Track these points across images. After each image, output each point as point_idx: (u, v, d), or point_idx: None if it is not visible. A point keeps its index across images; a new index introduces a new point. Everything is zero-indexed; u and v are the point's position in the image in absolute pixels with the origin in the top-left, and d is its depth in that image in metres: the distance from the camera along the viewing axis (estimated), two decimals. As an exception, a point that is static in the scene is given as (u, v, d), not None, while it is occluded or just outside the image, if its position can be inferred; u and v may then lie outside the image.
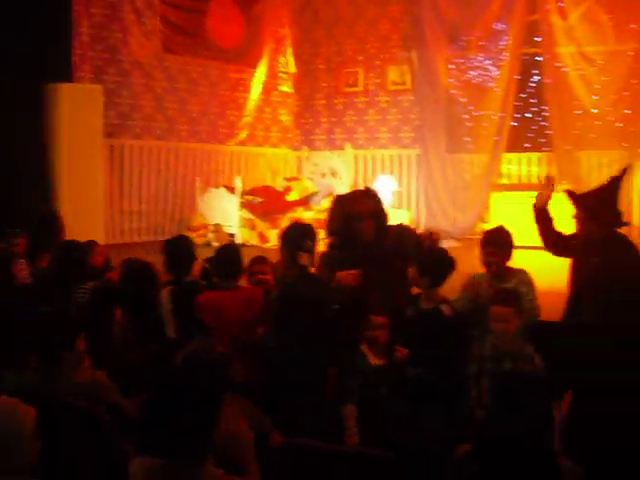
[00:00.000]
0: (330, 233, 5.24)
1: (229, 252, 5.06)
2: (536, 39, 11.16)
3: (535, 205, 5.07)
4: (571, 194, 4.90)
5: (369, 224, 4.94)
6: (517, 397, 3.50)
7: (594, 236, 4.60)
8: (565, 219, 5.00)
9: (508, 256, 4.83)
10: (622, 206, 9.50)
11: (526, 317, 4.43)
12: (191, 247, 5.40)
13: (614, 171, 10.15)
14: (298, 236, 4.94)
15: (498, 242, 4.82)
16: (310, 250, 4.88)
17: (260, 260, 5.35)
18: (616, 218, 4.72)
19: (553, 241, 4.97)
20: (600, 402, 3.76)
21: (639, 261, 4.49)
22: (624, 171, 4.97)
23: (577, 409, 3.85)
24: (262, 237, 10.40)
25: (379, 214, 5.05)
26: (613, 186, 4.84)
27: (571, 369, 4.12)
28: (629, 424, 3.60)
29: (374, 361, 4.24)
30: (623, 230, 4.90)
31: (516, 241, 5.04)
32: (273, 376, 4.25)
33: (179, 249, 5.25)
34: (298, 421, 3.85)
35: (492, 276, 4.79)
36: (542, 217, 4.98)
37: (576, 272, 4.77)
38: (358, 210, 4.95)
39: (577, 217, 4.79)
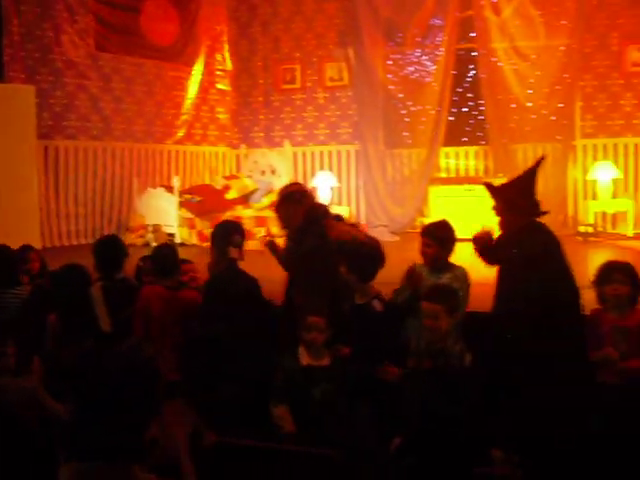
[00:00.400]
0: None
1: (166, 251, 5.30)
2: (471, 35, 11.56)
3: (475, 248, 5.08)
4: (489, 186, 4.98)
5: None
6: (449, 392, 3.80)
7: (513, 227, 4.74)
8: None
9: (447, 250, 4.95)
10: (539, 196, 10.09)
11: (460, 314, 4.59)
12: (121, 246, 5.58)
13: (549, 163, 10.75)
14: (227, 232, 5.13)
15: (435, 234, 4.94)
16: (239, 245, 5.05)
17: (185, 261, 5.55)
18: (534, 208, 4.81)
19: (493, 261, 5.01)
20: (528, 393, 4.07)
21: (555, 251, 4.67)
22: (539, 162, 4.99)
23: (507, 400, 4.13)
24: (201, 236, 10.43)
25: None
26: (530, 177, 4.91)
27: (496, 360, 4.46)
28: (557, 413, 3.85)
29: (308, 361, 4.30)
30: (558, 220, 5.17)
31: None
32: (204, 371, 4.39)
33: (108, 248, 5.43)
34: (232, 419, 3.94)
35: (428, 269, 4.91)
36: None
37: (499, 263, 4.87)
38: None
39: (496, 209, 4.88)
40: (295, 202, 5.18)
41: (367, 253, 4.85)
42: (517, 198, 4.76)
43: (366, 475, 3.72)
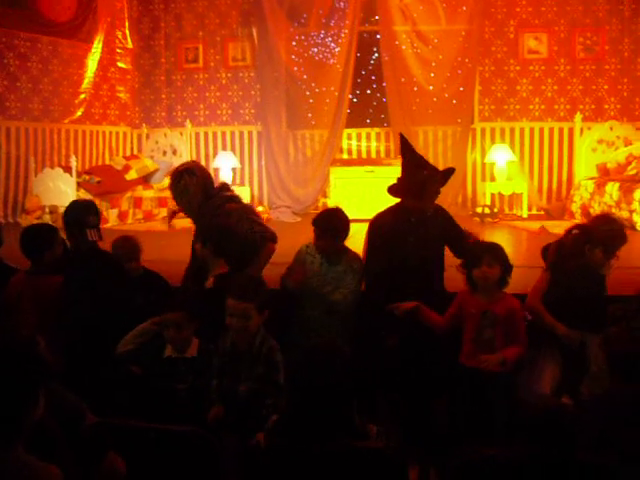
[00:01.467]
0: None
1: (29, 232, 5.32)
2: (375, 18, 12.18)
3: None
4: (392, 190, 5.28)
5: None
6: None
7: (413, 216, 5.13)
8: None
9: (338, 239, 5.13)
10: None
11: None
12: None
13: (449, 145, 11.69)
14: (82, 213, 5.24)
15: (323, 226, 5.12)
16: (95, 225, 5.19)
17: None
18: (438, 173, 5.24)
19: None
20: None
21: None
22: (402, 139, 5.35)
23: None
24: (101, 218, 10.98)
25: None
26: (410, 154, 5.30)
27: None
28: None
29: (171, 352, 4.40)
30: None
31: (353, 214, 5.57)
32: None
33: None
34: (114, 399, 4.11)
35: (322, 259, 5.17)
36: None
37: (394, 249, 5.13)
38: None
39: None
40: (183, 181, 5.43)
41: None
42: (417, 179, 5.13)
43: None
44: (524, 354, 4.52)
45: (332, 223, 5.14)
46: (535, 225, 10.18)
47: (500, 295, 4.63)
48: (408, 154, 5.26)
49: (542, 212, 11.51)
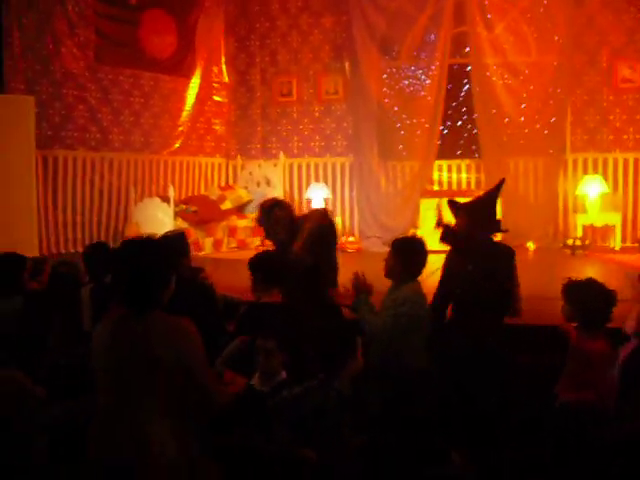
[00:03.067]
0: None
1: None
2: (465, 50, 12.50)
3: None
4: (453, 203, 5.48)
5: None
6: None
7: (473, 243, 5.27)
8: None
9: (407, 265, 5.15)
10: (532, 209, 11.04)
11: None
12: (108, 251, 6.15)
13: (540, 176, 11.74)
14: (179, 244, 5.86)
15: (396, 247, 5.21)
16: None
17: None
18: (495, 226, 5.40)
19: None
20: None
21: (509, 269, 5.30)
22: (501, 182, 5.60)
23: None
24: (197, 245, 11.23)
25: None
26: (491, 196, 5.53)
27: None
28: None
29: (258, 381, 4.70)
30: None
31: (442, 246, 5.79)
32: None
33: (97, 253, 6.05)
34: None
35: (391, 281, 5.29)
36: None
37: (451, 275, 5.41)
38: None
39: (458, 224, 5.38)
40: (273, 214, 6.01)
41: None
42: (480, 215, 5.31)
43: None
44: None
45: (406, 246, 5.24)
46: (629, 258, 10.20)
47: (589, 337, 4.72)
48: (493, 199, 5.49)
49: (636, 244, 11.34)
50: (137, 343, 3.12)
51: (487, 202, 5.48)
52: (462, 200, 5.57)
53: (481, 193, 5.99)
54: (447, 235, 5.36)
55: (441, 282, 5.46)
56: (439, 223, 5.46)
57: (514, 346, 5.30)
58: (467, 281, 5.20)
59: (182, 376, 3.13)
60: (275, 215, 6.02)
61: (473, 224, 5.30)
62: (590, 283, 4.81)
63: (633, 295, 5.23)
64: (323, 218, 6.30)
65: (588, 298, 4.67)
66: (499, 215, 10.04)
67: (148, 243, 3.41)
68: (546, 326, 5.52)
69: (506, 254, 5.36)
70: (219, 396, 3.37)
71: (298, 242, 5.86)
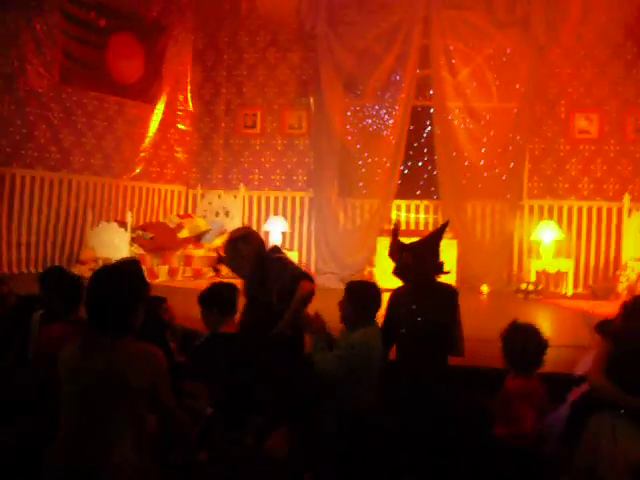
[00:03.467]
0: None
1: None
2: (430, 93, 12.78)
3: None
4: (398, 243, 5.54)
5: None
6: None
7: (422, 282, 5.37)
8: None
9: (360, 310, 5.19)
10: (487, 251, 11.23)
11: None
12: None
13: (497, 220, 11.95)
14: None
15: (351, 291, 5.26)
16: None
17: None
18: (438, 267, 5.42)
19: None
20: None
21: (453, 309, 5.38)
22: (446, 223, 5.82)
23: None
24: (152, 273, 11.17)
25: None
26: (436, 237, 5.57)
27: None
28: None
29: None
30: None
31: (397, 284, 5.77)
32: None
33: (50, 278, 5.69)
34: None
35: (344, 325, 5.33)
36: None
37: (395, 314, 5.44)
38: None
39: (404, 264, 5.42)
40: (244, 245, 5.83)
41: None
42: (425, 256, 5.37)
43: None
44: None
45: (361, 292, 5.28)
46: (580, 304, 10.43)
47: (519, 379, 4.82)
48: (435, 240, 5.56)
49: (588, 291, 11.59)
50: (108, 368, 3.33)
51: (432, 243, 5.52)
52: (407, 240, 5.61)
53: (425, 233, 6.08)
54: (400, 269, 5.42)
55: (385, 321, 5.48)
56: (394, 240, 5.55)
57: (457, 386, 5.33)
58: (410, 320, 5.26)
59: (148, 398, 3.38)
60: (239, 249, 5.85)
61: (418, 264, 5.35)
62: (523, 327, 4.89)
63: (590, 341, 5.29)
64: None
65: (519, 342, 4.77)
66: (452, 257, 10.37)
67: (120, 271, 3.62)
68: (490, 368, 5.54)
69: (449, 293, 5.43)
70: (180, 418, 3.60)
71: (285, 319, 5.55)
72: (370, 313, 5.24)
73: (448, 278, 5.55)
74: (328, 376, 5.07)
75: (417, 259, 5.35)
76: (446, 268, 5.47)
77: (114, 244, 11.53)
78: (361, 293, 5.26)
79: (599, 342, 4.79)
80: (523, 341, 4.77)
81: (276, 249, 6.13)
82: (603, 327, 4.93)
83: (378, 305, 5.26)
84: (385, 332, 5.32)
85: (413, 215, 12.85)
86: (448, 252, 10.96)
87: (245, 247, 5.82)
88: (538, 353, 4.81)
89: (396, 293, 5.55)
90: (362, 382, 5.07)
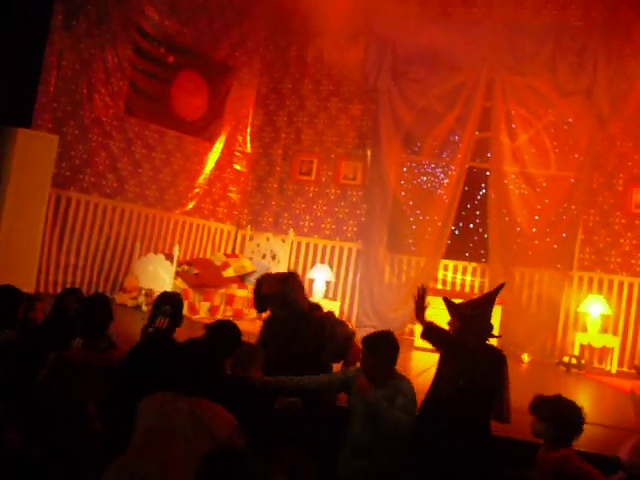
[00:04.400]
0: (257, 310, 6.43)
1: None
2: (487, 155, 12.84)
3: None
4: (449, 302, 5.51)
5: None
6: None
7: (467, 346, 5.28)
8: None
9: (384, 363, 5.14)
10: (533, 321, 11.08)
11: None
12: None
13: (544, 289, 11.84)
14: (161, 300, 5.83)
15: (371, 345, 5.18)
16: (167, 314, 5.68)
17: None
18: (488, 330, 5.39)
19: (425, 323, 5.52)
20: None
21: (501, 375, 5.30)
22: (500, 286, 5.67)
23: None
24: (192, 308, 11.33)
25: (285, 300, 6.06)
26: (488, 300, 5.54)
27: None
28: None
29: None
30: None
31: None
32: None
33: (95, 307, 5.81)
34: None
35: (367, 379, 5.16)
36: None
37: (443, 375, 5.41)
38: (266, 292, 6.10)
39: (451, 325, 5.42)
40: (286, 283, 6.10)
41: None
42: (474, 319, 5.30)
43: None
44: None
45: (381, 343, 5.21)
46: (624, 383, 10.17)
47: (556, 451, 4.59)
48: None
49: (633, 370, 11.38)
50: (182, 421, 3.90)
51: (484, 307, 5.47)
52: (458, 300, 5.60)
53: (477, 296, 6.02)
54: (430, 332, 5.39)
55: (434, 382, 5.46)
56: (419, 307, 5.51)
57: (498, 458, 5.28)
58: (454, 385, 5.21)
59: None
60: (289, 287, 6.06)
61: (465, 328, 5.31)
62: (559, 400, 4.81)
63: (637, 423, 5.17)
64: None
65: (556, 415, 4.67)
66: (496, 322, 10.26)
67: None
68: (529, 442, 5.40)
69: (497, 358, 5.37)
70: None
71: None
72: (394, 363, 5.20)
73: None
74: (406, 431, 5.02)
75: (464, 323, 5.29)
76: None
77: (159, 276, 11.69)
78: (383, 343, 5.20)
79: None
80: (563, 413, 4.68)
81: (318, 306, 6.38)
82: None
83: (398, 354, 5.23)
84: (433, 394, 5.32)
85: (460, 276, 12.79)
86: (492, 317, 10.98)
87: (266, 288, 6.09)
88: (575, 425, 4.69)
89: (445, 356, 5.47)
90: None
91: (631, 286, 11.97)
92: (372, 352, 5.12)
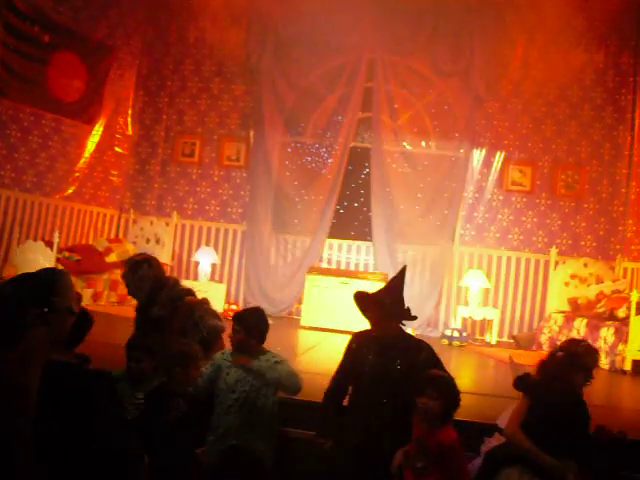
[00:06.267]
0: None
1: None
2: (369, 134, 13.04)
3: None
4: (362, 295, 5.40)
5: None
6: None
7: (388, 332, 5.22)
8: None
9: (253, 335, 5.24)
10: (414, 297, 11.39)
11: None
12: None
13: (428, 265, 12.25)
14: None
15: (241, 320, 5.29)
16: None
17: None
18: (406, 312, 5.31)
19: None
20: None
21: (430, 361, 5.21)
22: (403, 270, 5.60)
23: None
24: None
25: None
26: (400, 285, 5.47)
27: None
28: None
29: None
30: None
31: (324, 323, 5.56)
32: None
33: None
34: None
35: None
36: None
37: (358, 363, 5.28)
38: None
39: (370, 317, 5.33)
40: (142, 270, 6.17)
41: None
42: (391, 304, 5.23)
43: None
44: None
45: (251, 319, 5.33)
46: (503, 353, 10.61)
47: (440, 429, 4.60)
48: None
49: (511, 340, 11.91)
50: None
51: (399, 292, 5.42)
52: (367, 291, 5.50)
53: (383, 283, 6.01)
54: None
55: (341, 370, 5.42)
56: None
57: None
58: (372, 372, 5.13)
59: None
60: (143, 272, 6.18)
61: (386, 317, 5.25)
62: (445, 376, 4.85)
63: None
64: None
65: (446, 392, 4.71)
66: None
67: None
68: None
69: (428, 348, 5.30)
70: None
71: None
72: (264, 337, 5.33)
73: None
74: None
75: (383, 309, 5.22)
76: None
77: (39, 263, 11.32)
78: (252, 319, 5.32)
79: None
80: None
81: (178, 281, 6.55)
82: (523, 381, 4.99)
83: (267, 329, 5.36)
84: (339, 382, 5.31)
85: (345, 255, 13.04)
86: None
87: (149, 271, 6.20)
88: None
89: (359, 338, 5.45)
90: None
91: (509, 260, 12.52)
92: (242, 327, 5.26)
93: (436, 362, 5.20)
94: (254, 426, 5.14)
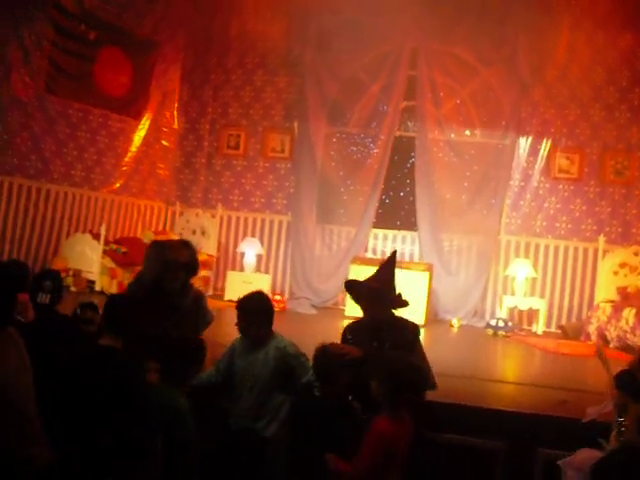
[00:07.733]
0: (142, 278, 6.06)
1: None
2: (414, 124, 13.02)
3: None
4: (352, 284, 5.57)
5: (180, 274, 5.81)
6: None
7: (378, 318, 5.33)
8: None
9: (256, 322, 5.33)
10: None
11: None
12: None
13: (473, 254, 12.18)
14: (37, 277, 5.70)
15: (241, 308, 5.38)
16: (49, 290, 5.53)
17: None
18: (396, 300, 5.37)
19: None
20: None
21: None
22: (394, 254, 5.74)
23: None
24: (121, 286, 11.22)
25: (191, 267, 5.93)
26: (390, 270, 5.49)
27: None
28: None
29: None
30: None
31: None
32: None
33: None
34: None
35: (244, 343, 5.46)
36: None
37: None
38: (174, 258, 5.78)
39: (361, 303, 5.42)
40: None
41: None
42: (382, 290, 5.29)
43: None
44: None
45: (254, 305, 5.39)
46: (549, 343, 10.55)
47: (381, 416, 4.49)
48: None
49: (558, 331, 11.78)
50: None
51: (388, 277, 5.45)
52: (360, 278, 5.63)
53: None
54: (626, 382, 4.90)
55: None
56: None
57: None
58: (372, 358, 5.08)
59: None
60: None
61: (373, 302, 5.31)
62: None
63: (611, 397, 4.97)
64: None
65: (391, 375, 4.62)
66: (425, 289, 10.54)
67: None
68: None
69: (410, 329, 5.42)
70: None
71: None
72: (269, 322, 5.40)
73: (418, 309, 5.43)
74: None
75: (373, 296, 5.28)
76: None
77: (86, 255, 11.71)
78: (251, 305, 5.38)
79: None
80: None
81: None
82: (622, 381, 4.81)
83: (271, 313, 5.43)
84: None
85: (390, 245, 13.01)
86: (420, 284, 11.26)
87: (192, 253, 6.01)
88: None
89: (352, 328, 5.54)
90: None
91: (557, 249, 12.35)
92: (243, 314, 5.33)
93: (411, 343, 5.27)
94: (266, 410, 5.23)
